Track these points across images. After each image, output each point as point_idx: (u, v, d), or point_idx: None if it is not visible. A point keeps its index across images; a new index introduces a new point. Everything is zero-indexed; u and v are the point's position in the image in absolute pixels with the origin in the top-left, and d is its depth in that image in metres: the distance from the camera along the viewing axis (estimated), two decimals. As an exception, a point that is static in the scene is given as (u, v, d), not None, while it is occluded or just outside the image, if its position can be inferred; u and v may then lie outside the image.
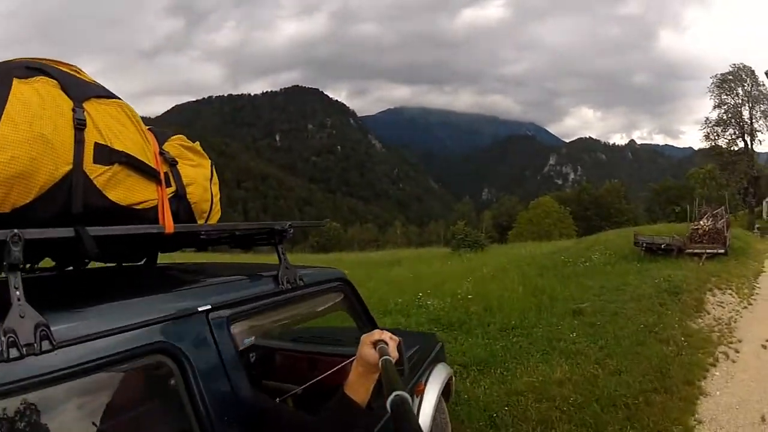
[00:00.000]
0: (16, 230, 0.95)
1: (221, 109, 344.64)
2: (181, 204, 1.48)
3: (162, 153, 1.47)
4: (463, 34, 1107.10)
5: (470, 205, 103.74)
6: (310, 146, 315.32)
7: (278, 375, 2.71)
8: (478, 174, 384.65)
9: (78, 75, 1.33)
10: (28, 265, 1.38)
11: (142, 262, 1.82)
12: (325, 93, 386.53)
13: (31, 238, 0.99)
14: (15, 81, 1.11)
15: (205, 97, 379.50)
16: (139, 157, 1.32)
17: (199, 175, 1.59)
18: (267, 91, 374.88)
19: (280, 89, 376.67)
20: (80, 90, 1.25)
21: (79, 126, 1.17)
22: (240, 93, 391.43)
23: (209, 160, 1.73)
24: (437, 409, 3.22)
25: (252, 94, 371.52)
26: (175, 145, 1.58)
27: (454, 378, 3.80)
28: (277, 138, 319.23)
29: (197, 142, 1.77)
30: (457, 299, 9.38)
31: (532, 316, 8.08)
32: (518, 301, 9.09)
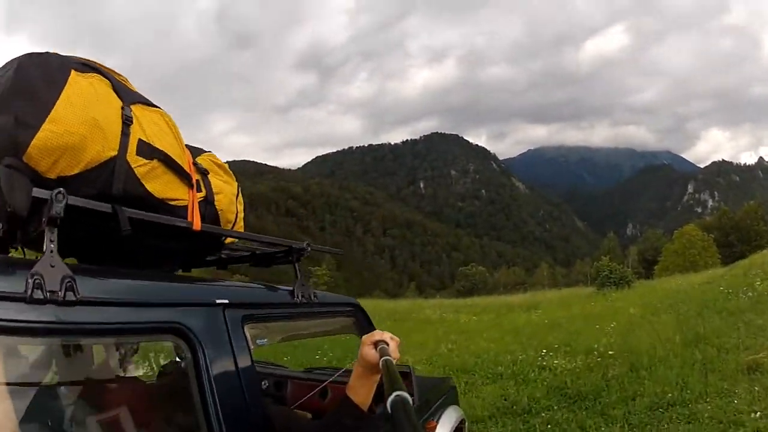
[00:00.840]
0: (61, 189, 1.06)
1: (363, 159, 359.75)
2: (208, 209, 1.59)
3: (195, 164, 1.62)
4: (589, 66, 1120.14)
5: (615, 241, 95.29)
6: (454, 192, 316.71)
7: (291, 403, 2.71)
8: (620, 209, 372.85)
9: (126, 84, 1.46)
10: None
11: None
12: (465, 138, 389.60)
13: (73, 204, 1.09)
14: (73, 72, 1.23)
15: (346, 147, 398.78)
16: (176, 159, 1.44)
17: (226, 188, 1.72)
18: (407, 140, 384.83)
19: (420, 137, 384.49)
20: (129, 94, 1.37)
21: (127, 121, 1.29)
22: (380, 143, 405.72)
23: (237, 182, 1.85)
24: None
25: (392, 143, 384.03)
26: (207, 160, 1.72)
27: (466, 423, 3.68)
28: (422, 185, 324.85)
29: (226, 163, 1.89)
30: (593, 357, 7.50)
31: (694, 381, 5.81)
32: (675, 357, 6.80)
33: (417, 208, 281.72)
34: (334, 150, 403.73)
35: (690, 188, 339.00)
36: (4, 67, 1.22)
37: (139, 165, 1.32)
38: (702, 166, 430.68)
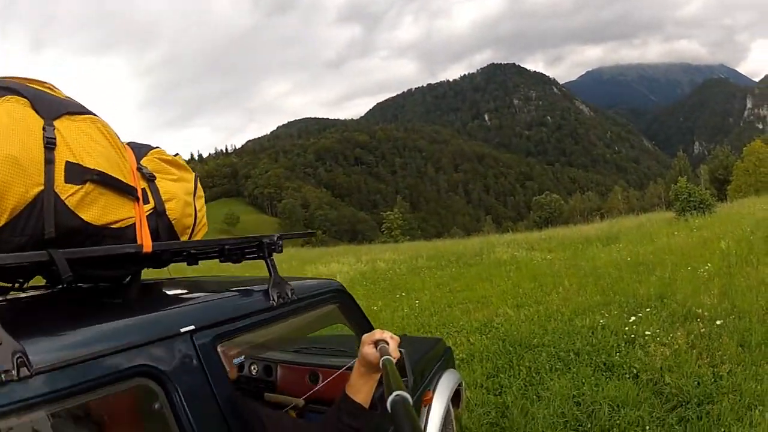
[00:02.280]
0: None
1: (423, 100, 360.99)
2: (160, 221, 1.44)
3: (140, 168, 1.43)
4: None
5: (686, 161, 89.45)
6: (520, 121, 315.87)
7: (281, 388, 2.66)
8: (685, 126, 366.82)
9: (52, 92, 1.31)
10: (16, 284, 1.38)
11: (127, 280, 1.68)
12: (522, 66, 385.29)
13: (2, 264, 1.00)
14: None
15: (405, 90, 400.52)
16: (113, 174, 1.28)
17: (179, 189, 1.54)
18: (464, 75, 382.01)
19: (477, 70, 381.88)
20: (52, 107, 1.21)
21: (49, 145, 1.13)
22: (438, 81, 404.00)
23: (192, 173, 1.67)
24: (446, 418, 2.98)
25: (450, 80, 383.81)
26: (153, 159, 1.53)
27: (463, 384, 3.49)
28: (486, 118, 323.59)
29: (178, 155, 1.70)
30: (695, 325, 5.53)
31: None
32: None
33: (485, 141, 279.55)
34: (394, 95, 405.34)
35: (749, 103, 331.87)
36: None
37: (71, 194, 1.17)
38: (757, 80, 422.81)
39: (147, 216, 1.38)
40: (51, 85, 1.34)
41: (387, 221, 67.12)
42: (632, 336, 5.50)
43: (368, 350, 1.42)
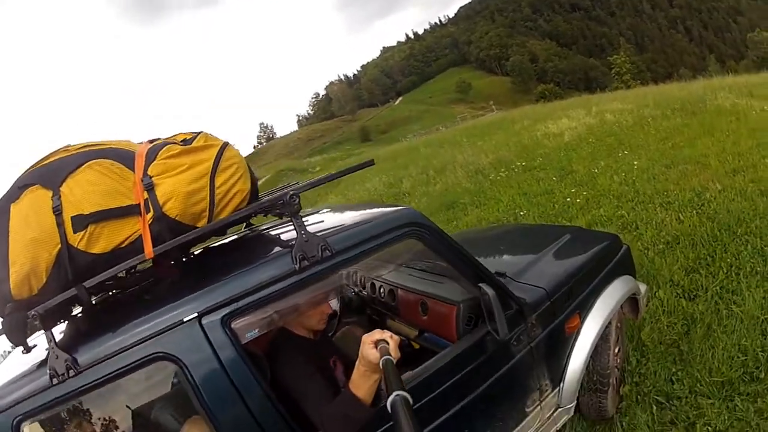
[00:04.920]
0: (33, 311, 1.42)
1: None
2: (163, 224, 1.56)
3: (143, 180, 1.58)
4: None
5: None
6: None
7: (401, 314, 2.63)
8: None
9: (63, 156, 1.60)
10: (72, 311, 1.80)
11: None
12: None
13: (45, 309, 1.42)
14: (11, 207, 1.50)
15: None
16: (111, 206, 1.52)
17: (181, 182, 1.60)
18: None
19: None
20: (58, 176, 1.53)
21: (56, 211, 1.48)
22: None
23: (213, 150, 1.69)
24: (602, 351, 2.53)
25: None
26: (160, 162, 1.62)
27: (644, 292, 2.84)
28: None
29: (202, 134, 1.74)
30: None
31: None
32: None
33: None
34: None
35: None
36: None
37: (79, 240, 1.49)
38: None
39: (150, 224, 1.55)
40: (63, 149, 1.66)
41: (615, 66, 60.83)
42: None
43: (368, 350, 1.45)
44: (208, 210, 1.64)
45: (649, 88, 21.26)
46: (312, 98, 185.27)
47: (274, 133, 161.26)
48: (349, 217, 2.03)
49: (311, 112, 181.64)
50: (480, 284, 1.99)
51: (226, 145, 1.74)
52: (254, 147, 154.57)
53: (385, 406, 1.14)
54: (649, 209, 5.47)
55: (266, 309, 1.67)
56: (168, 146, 1.67)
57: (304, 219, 1.77)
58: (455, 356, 1.95)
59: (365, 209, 2.16)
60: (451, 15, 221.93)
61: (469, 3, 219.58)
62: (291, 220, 1.65)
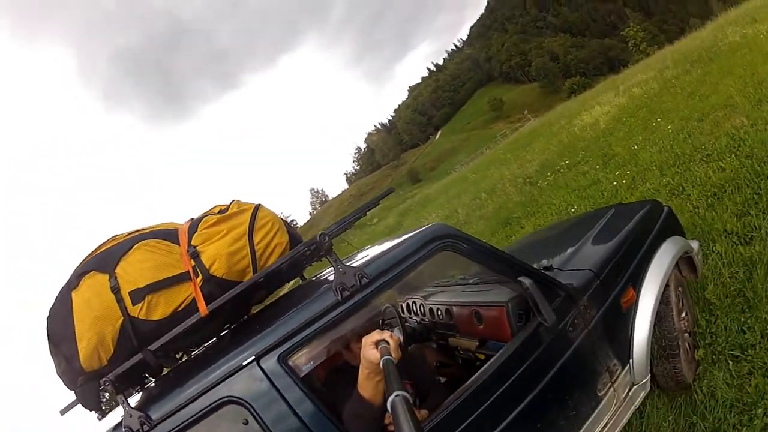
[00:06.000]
0: (105, 378, 1.60)
1: None
2: (212, 284, 1.75)
3: (188, 250, 1.78)
4: None
5: None
6: None
7: (460, 329, 2.63)
8: None
9: (113, 244, 1.81)
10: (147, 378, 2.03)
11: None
12: None
13: (116, 375, 1.60)
14: (73, 294, 1.69)
15: None
16: (162, 277, 1.71)
17: (222, 246, 1.79)
18: None
19: None
20: (112, 260, 1.73)
21: (115, 290, 1.68)
22: None
23: (248, 212, 1.88)
24: (665, 317, 2.46)
25: None
26: (201, 233, 1.83)
27: (697, 248, 2.76)
28: None
29: (234, 201, 1.95)
30: None
31: None
32: None
33: None
34: None
35: None
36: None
37: (140, 310, 1.68)
38: None
39: (201, 286, 1.74)
40: (114, 237, 1.87)
41: (630, 38, 59.71)
42: None
43: (369, 351, 1.51)
44: (251, 265, 1.81)
45: (666, 50, 21.26)
46: (354, 153, 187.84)
47: (326, 195, 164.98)
48: (385, 245, 2.14)
49: (357, 168, 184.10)
50: (519, 278, 2.04)
51: (258, 207, 1.93)
52: (309, 214, 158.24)
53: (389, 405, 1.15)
54: (692, 168, 5.39)
55: (319, 342, 1.78)
56: (206, 218, 1.88)
57: (346, 259, 1.85)
58: (511, 354, 1.97)
59: (401, 236, 2.24)
60: (464, 37, 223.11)
61: (478, 20, 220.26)
62: (328, 258, 1.78)
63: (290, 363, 1.66)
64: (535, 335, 2.04)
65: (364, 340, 1.55)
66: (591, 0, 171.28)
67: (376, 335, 1.53)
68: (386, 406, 1.14)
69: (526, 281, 1.99)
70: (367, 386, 1.57)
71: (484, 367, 1.94)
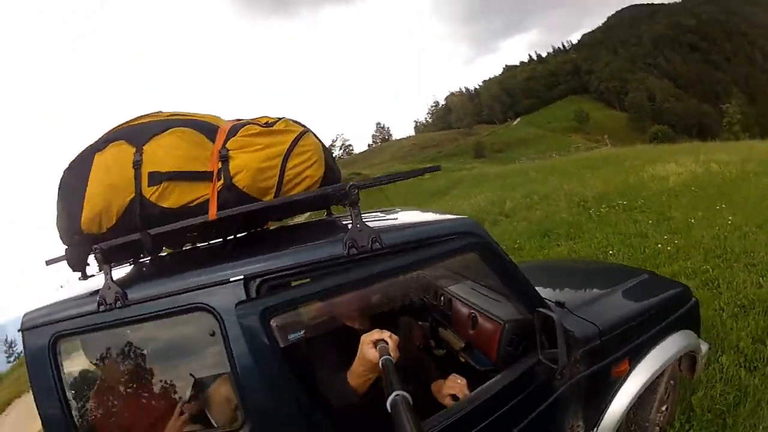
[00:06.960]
0: (96, 245, 1.61)
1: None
2: (231, 192, 1.69)
3: (221, 150, 1.72)
4: None
5: None
6: None
7: (453, 324, 2.63)
8: None
9: (152, 120, 1.80)
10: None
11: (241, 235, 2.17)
12: None
13: (109, 246, 1.61)
14: (96, 156, 1.68)
15: None
16: (185, 169, 1.68)
17: (254, 159, 1.72)
18: None
19: None
20: (143, 136, 1.71)
21: (136, 166, 1.65)
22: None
23: (291, 135, 1.80)
24: (646, 404, 2.46)
25: None
26: (239, 138, 1.76)
27: (703, 351, 2.64)
28: None
29: (283, 119, 1.86)
30: None
31: None
32: None
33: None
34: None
35: None
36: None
37: (152, 193, 1.65)
38: None
39: (219, 191, 1.70)
40: (155, 113, 1.88)
41: (726, 115, 57.58)
42: None
43: (368, 350, 1.52)
44: (275, 188, 1.75)
45: (756, 142, 20.66)
46: (431, 106, 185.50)
47: (390, 134, 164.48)
48: (411, 218, 2.07)
49: (429, 120, 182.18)
50: (540, 309, 1.97)
51: (305, 132, 1.85)
52: (368, 145, 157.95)
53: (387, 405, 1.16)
54: (734, 267, 5.21)
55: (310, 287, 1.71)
56: (250, 125, 1.81)
57: (373, 214, 1.78)
58: (505, 386, 1.92)
59: (430, 214, 2.17)
60: (574, 41, 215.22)
61: (593, 32, 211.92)
62: (349, 209, 1.70)
63: (273, 297, 1.62)
64: (531, 372, 1.98)
65: (362, 338, 1.55)
66: (705, 62, 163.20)
67: (375, 334, 1.52)
68: (375, 401, 1.21)
69: (552, 315, 1.90)
70: (356, 377, 1.61)
71: (476, 391, 1.89)
